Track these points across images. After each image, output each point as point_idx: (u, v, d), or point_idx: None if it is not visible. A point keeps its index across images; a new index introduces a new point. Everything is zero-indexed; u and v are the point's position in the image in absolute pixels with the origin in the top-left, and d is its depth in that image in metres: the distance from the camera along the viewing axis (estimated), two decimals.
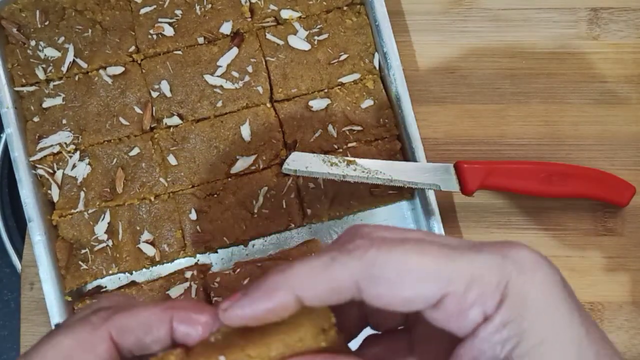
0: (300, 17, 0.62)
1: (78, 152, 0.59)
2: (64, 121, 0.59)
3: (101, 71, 0.60)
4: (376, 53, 0.61)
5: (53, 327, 0.36)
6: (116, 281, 0.60)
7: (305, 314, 0.28)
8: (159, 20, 0.61)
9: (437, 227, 0.57)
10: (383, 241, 0.27)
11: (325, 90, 0.61)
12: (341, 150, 0.60)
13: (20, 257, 0.62)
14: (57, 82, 0.60)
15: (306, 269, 0.27)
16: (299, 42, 0.61)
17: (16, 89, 0.60)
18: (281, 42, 0.61)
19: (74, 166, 0.59)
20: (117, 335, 0.30)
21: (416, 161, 0.58)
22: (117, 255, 0.58)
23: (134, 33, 0.61)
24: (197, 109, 0.60)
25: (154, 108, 0.60)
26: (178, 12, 0.61)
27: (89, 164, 0.59)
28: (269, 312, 0.27)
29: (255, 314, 0.27)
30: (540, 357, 0.25)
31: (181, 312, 0.31)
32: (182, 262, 0.60)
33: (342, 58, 0.61)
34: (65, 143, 0.59)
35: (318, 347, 0.27)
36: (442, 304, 0.26)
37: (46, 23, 0.61)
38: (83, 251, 0.58)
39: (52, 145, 0.59)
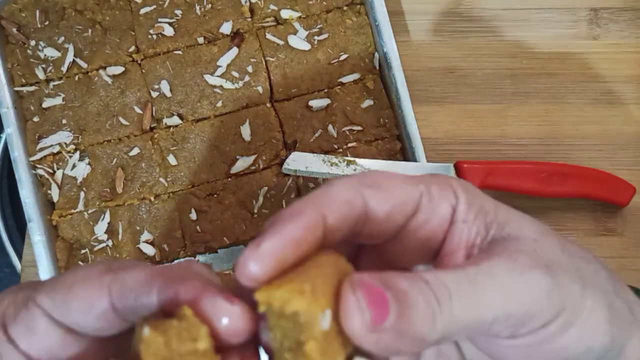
0: (300, 17, 0.62)
1: (78, 152, 0.59)
2: (64, 121, 0.59)
3: (101, 71, 0.60)
4: (376, 53, 0.61)
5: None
6: None
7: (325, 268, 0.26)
8: (159, 20, 0.61)
9: None
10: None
11: (325, 90, 0.61)
12: (341, 150, 0.60)
13: (20, 257, 0.62)
14: (57, 82, 0.60)
15: (319, 191, 0.27)
16: (299, 42, 0.61)
17: (16, 88, 0.60)
18: (281, 42, 0.61)
19: (73, 166, 0.59)
20: (113, 291, 0.28)
21: (416, 161, 0.58)
22: (117, 255, 0.58)
23: (134, 33, 0.61)
24: (197, 109, 0.60)
25: (154, 108, 0.60)
26: (178, 12, 0.61)
27: (89, 164, 0.59)
28: (306, 232, 0.25)
29: (291, 239, 0.25)
30: (507, 226, 0.28)
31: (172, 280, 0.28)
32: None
33: (342, 58, 0.61)
34: (65, 143, 0.59)
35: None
36: (419, 208, 0.28)
37: (46, 23, 0.61)
38: (83, 251, 0.58)
39: (52, 145, 0.59)
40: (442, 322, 0.24)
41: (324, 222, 0.26)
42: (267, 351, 0.26)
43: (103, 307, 0.27)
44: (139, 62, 0.61)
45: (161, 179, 0.59)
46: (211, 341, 0.24)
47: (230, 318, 0.25)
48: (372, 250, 0.31)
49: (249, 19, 0.61)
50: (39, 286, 0.29)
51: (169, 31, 0.60)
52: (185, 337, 0.24)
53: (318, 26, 0.61)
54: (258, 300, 0.24)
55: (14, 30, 0.60)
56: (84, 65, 0.60)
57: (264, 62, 0.61)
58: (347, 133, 0.60)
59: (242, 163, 0.59)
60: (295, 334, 0.23)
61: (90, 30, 0.61)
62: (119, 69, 0.60)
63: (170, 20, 0.61)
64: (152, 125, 0.60)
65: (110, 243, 0.58)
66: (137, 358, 0.24)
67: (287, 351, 0.24)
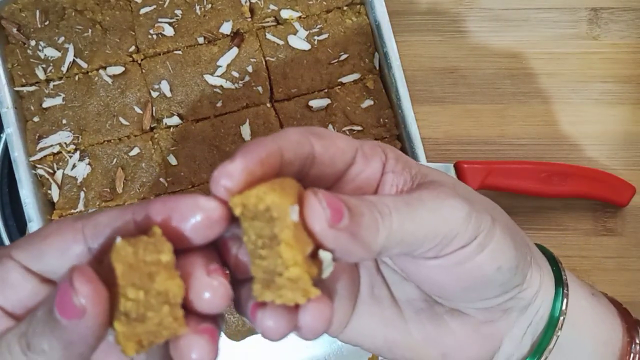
0: (300, 17, 0.62)
1: (78, 152, 0.59)
2: (64, 121, 0.59)
3: (101, 71, 0.60)
4: (376, 53, 0.61)
5: None
6: None
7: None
8: (159, 20, 0.61)
9: None
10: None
11: (325, 90, 0.61)
12: None
13: None
14: (57, 82, 0.60)
15: (275, 133, 0.31)
16: (299, 42, 0.61)
17: (16, 89, 0.60)
18: (281, 42, 0.61)
19: (74, 166, 0.59)
20: (87, 232, 0.29)
21: (416, 161, 0.58)
22: None
23: (134, 33, 0.61)
24: (197, 109, 0.60)
25: (154, 108, 0.60)
26: (178, 12, 0.61)
27: (89, 164, 0.59)
28: (268, 157, 0.28)
29: (258, 159, 0.28)
30: (429, 176, 0.33)
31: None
32: None
33: (342, 58, 0.61)
34: (65, 143, 0.59)
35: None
36: (354, 160, 0.33)
37: (46, 23, 0.61)
38: None
39: (52, 145, 0.59)
40: (384, 232, 0.29)
41: (281, 154, 0.29)
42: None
43: (78, 248, 0.29)
44: (139, 62, 0.61)
45: (161, 179, 0.59)
46: (174, 257, 0.27)
47: (202, 213, 0.28)
48: None
49: (249, 19, 0.61)
50: (12, 244, 0.31)
51: (169, 31, 0.60)
52: (152, 250, 0.26)
53: (318, 26, 0.61)
54: (233, 205, 0.27)
55: (14, 30, 0.60)
56: (84, 65, 0.60)
57: (264, 62, 0.61)
58: (347, 133, 0.60)
59: None
60: (268, 230, 0.26)
61: (90, 30, 0.61)
62: (119, 69, 0.60)
63: (170, 20, 0.61)
64: (152, 125, 0.60)
65: None
66: (109, 269, 0.26)
67: (261, 249, 0.26)
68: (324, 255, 0.27)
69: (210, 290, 0.27)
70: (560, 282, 0.37)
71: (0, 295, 0.29)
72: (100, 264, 0.28)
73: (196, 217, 0.28)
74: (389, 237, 0.29)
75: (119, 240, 0.26)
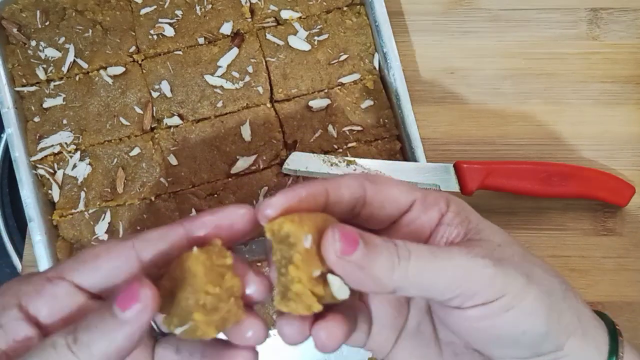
0: (300, 18, 0.62)
1: (78, 152, 0.59)
2: (65, 121, 0.60)
3: (102, 71, 0.60)
4: (376, 53, 0.61)
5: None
6: None
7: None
8: (159, 20, 0.61)
9: None
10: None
11: (325, 91, 0.61)
12: (341, 150, 0.60)
13: (20, 257, 0.62)
14: (57, 82, 0.60)
15: (330, 178, 0.36)
16: (299, 42, 0.61)
17: (17, 89, 0.60)
18: (281, 43, 0.61)
19: (74, 166, 0.59)
20: (138, 247, 0.34)
21: (416, 161, 0.58)
22: None
23: (134, 33, 0.61)
24: (198, 109, 0.60)
25: (154, 108, 0.60)
26: (178, 12, 0.61)
27: (90, 164, 0.59)
28: (307, 194, 0.34)
29: (297, 194, 0.34)
30: (481, 233, 0.36)
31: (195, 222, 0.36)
32: None
33: (342, 58, 0.61)
34: (66, 143, 0.59)
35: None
36: (409, 209, 0.37)
37: (47, 23, 0.61)
38: None
39: (52, 145, 0.59)
40: (398, 273, 0.32)
41: (326, 194, 0.34)
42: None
43: (132, 263, 0.34)
44: (139, 62, 0.61)
45: (162, 179, 0.59)
46: (232, 261, 0.34)
47: (241, 216, 0.36)
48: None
49: (249, 20, 0.61)
50: (63, 265, 0.35)
51: (169, 31, 0.61)
52: (219, 256, 0.33)
53: (318, 27, 0.61)
54: (265, 229, 0.33)
55: (15, 30, 0.60)
56: (84, 65, 0.60)
57: (264, 63, 0.61)
58: (347, 133, 0.60)
59: (242, 163, 0.59)
60: (287, 253, 0.32)
61: (90, 31, 0.61)
62: (119, 69, 0.60)
63: (171, 21, 0.61)
64: (152, 126, 0.60)
65: None
66: (172, 276, 0.33)
67: (283, 267, 0.33)
68: (331, 279, 0.32)
69: (259, 284, 0.35)
70: (614, 354, 0.36)
71: (48, 312, 0.33)
72: (157, 274, 0.34)
73: (242, 216, 0.35)
74: (404, 279, 0.32)
75: (195, 249, 0.32)
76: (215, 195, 0.59)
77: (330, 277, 0.32)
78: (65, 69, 0.60)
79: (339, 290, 0.33)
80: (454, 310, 0.34)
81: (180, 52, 0.61)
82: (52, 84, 0.60)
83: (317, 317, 0.34)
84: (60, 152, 0.59)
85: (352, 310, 0.37)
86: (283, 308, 0.33)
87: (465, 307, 0.33)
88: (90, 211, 0.59)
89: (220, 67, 0.60)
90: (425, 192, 0.37)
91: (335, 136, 0.60)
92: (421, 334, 0.39)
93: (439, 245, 0.36)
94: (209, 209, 0.35)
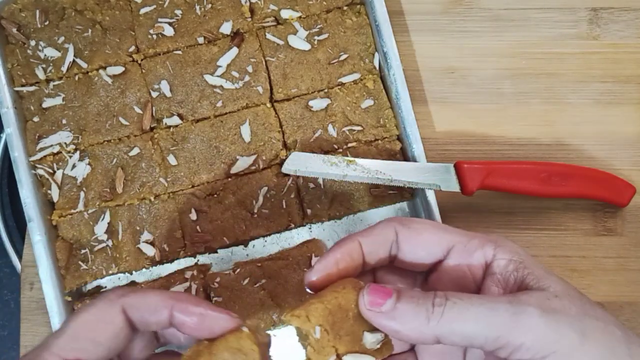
0: (300, 17, 0.62)
1: (78, 152, 0.59)
2: (64, 121, 0.59)
3: (101, 71, 0.60)
4: (376, 53, 0.61)
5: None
6: (116, 281, 0.60)
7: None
8: (159, 20, 0.61)
9: None
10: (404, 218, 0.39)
11: (325, 90, 0.61)
12: (341, 150, 0.60)
13: (20, 257, 0.62)
14: (57, 82, 0.60)
15: (364, 229, 0.38)
16: (299, 42, 0.61)
17: (16, 89, 0.60)
18: (281, 42, 0.61)
19: (73, 166, 0.59)
20: (128, 311, 0.37)
21: (416, 161, 0.58)
22: (117, 256, 0.58)
23: (134, 33, 0.61)
24: (197, 109, 0.60)
25: (154, 108, 0.60)
26: (178, 12, 0.61)
27: (89, 164, 0.59)
28: (342, 253, 0.37)
29: (333, 257, 0.37)
30: (540, 281, 0.34)
31: (181, 303, 0.37)
32: (182, 262, 0.60)
33: (342, 58, 0.61)
34: (65, 143, 0.59)
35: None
36: (448, 256, 0.37)
37: (46, 23, 0.61)
38: (83, 251, 0.58)
39: (52, 145, 0.59)
40: (434, 322, 0.32)
41: (360, 248, 0.37)
42: None
43: (164, 314, 0.38)
44: (139, 62, 0.61)
45: (161, 179, 0.59)
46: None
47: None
48: (425, 279, 0.41)
49: (249, 19, 0.61)
50: (121, 294, 0.38)
51: (169, 31, 0.60)
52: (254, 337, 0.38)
53: (318, 26, 0.61)
54: (283, 320, 0.38)
55: (14, 30, 0.60)
56: (84, 65, 0.60)
57: (264, 62, 0.61)
58: (347, 133, 0.60)
59: (242, 163, 0.59)
60: (304, 341, 0.36)
61: (90, 30, 0.61)
62: (119, 69, 0.60)
63: (170, 20, 0.61)
64: (152, 125, 0.60)
65: (110, 243, 0.58)
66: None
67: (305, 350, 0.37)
68: (369, 336, 0.36)
69: None
70: None
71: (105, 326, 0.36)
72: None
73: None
74: (442, 327, 0.33)
75: (246, 329, 0.38)
76: (215, 196, 0.59)
77: (345, 358, 0.36)
78: (64, 68, 0.60)
79: (375, 346, 0.36)
80: None
81: (180, 52, 0.61)
82: (52, 83, 0.60)
83: None
84: (59, 152, 0.59)
85: None
86: None
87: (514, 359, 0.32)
88: (90, 211, 0.58)
89: (220, 66, 0.60)
90: (469, 236, 0.36)
91: (335, 136, 0.60)
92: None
93: (488, 295, 0.35)
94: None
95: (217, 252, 0.60)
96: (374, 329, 0.36)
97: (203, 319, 0.37)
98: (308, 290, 0.39)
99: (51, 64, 0.60)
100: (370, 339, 0.36)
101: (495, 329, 0.32)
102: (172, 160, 0.59)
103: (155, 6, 0.61)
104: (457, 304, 0.32)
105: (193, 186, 0.59)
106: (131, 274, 0.60)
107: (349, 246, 0.38)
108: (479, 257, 0.36)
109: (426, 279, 0.41)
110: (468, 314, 0.32)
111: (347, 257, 0.37)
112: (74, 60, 0.60)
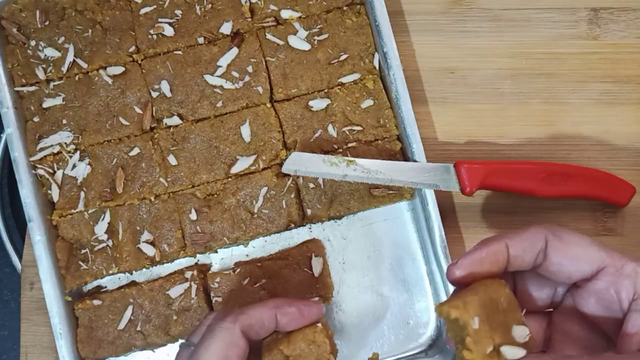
0: (300, 17, 0.62)
1: (78, 152, 0.59)
2: (64, 121, 0.59)
3: (101, 71, 0.60)
4: (376, 53, 0.61)
5: (182, 344, 0.47)
6: (116, 281, 0.60)
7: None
8: (159, 20, 0.61)
9: (437, 227, 0.57)
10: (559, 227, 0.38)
11: (325, 90, 0.61)
12: (341, 150, 0.60)
13: (20, 257, 0.62)
14: (57, 82, 0.60)
15: (511, 231, 0.38)
16: (299, 42, 0.61)
17: (16, 89, 0.60)
18: (281, 42, 0.61)
19: (74, 166, 0.59)
20: (246, 331, 0.41)
21: (416, 161, 0.58)
22: (117, 255, 0.58)
23: (134, 33, 0.61)
24: (197, 109, 0.60)
25: (154, 108, 0.60)
26: (178, 12, 0.61)
27: (89, 164, 0.59)
28: (488, 253, 0.37)
29: (479, 254, 0.38)
30: None
31: (280, 308, 0.43)
32: (182, 262, 0.60)
33: (342, 58, 0.61)
34: (65, 143, 0.59)
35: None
36: (597, 276, 0.36)
37: (46, 23, 0.61)
38: (83, 251, 0.58)
39: (52, 145, 0.59)
40: None
41: (506, 250, 0.37)
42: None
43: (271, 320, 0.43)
44: (139, 62, 0.61)
45: (161, 179, 0.59)
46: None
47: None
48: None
49: (249, 19, 0.61)
50: (235, 316, 0.42)
51: (169, 31, 0.60)
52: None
53: (318, 26, 0.61)
54: (436, 311, 0.38)
55: (14, 30, 0.60)
56: (84, 65, 0.60)
57: (264, 62, 0.61)
58: (347, 133, 0.60)
59: (242, 163, 0.59)
60: (460, 333, 0.37)
61: (90, 31, 0.61)
62: (119, 69, 0.60)
63: (171, 21, 0.61)
64: (152, 125, 0.60)
65: (110, 243, 0.58)
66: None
67: (459, 343, 0.37)
68: (504, 349, 0.36)
69: None
70: None
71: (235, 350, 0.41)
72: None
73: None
74: None
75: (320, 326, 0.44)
76: (215, 196, 0.59)
77: (502, 349, 0.36)
78: (64, 68, 0.60)
79: (512, 355, 0.36)
80: None
81: (180, 52, 0.61)
82: (52, 83, 0.60)
83: None
84: (59, 152, 0.59)
85: None
86: None
87: None
88: (90, 211, 0.59)
89: (220, 66, 0.60)
90: (622, 260, 0.36)
91: (335, 136, 0.60)
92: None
93: (629, 332, 0.35)
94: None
95: (217, 252, 0.60)
96: (521, 323, 0.37)
97: (302, 313, 0.43)
98: (450, 284, 0.40)
99: (51, 64, 0.60)
100: (520, 332, 0.37)
101: None
102: (172, 160, 0.59)
103: (155, 6, 0.61)
104: None
105: (193, 186, 0.59)
106: (131, 273, 0.60)
107: (496, 247, 0.38)
108: (628, 288, 0.35)
109: (568, 290, 0.40)
110: None
111: (492, 257, 0.38)
112: (74, 60, 0.60)
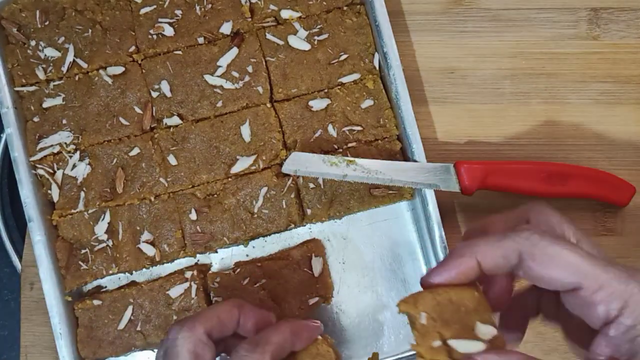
0: (300, 17, 0.62)
1: (78, 152, 0.59)
2: (64, 121, 0.59)
3: (101, 71, 0.60)
4: (376, 53, 0.61)
5: None
6: (116, 281, 0.60)
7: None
8: (159, 20, 0.61)
9: (437, 227, 0.57)
10: (545, 232, 0.36)
11: (325, 90, 0.61)
12: (341, 150, 0.60)
13: (20, 257, 0.62)
14: (57, 82, 0.60)
15: (484, 241, 0.37)
16: (299, 42, 0.61)
17: (16, 89, 0.60)
18: (281, 42, 0.61)
19: (74, 166, 0.59)
20: (207, 332, 0.41)
21: (416, 161, 0.58)
22: (117, 255, 0.58)
23: (134, 33, 0.61)
24: (197, 109, 0.60)
25: (154, 108, 0.60)
26: (178, 12, 0.61)
27: (89, 164, 0.59)
28: (458, 273, 0.37)
29: (448, 275, 0.38)
30: None
31: (296, 329, 0.43)
32: (182, 262, 0.60)
33: (342, 58, 0.61)
34: (65, 143, 0.59)
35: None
36: (575, 293, 0.35)
37: (46, 23, 0.61)
38: (83, 251, 0.58)
39: (52, 145, 0.59)
40: None
41: (479, 265, 0.37)
42: None
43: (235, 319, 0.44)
44: (139, 62, 0.61)
45: (161, 179, 0.59)
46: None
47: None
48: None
49: (249, 19, 0.61)
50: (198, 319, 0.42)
51: (169, 31, 0.60)
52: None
53: (318, 26, 0.61)
54: (398, 307, 0.39)
55: (14, 30, 0.60)
56: (84, 65, 0.60)
57: (264, 62, 0.61)
58: (347, 133, 0.60)
59: (242, 163, 0.59)
60: (412, 327, 0.39)
61: (90, 31, 0.61)
62: (119, 69, 0.60)
63: (171, 21, 0.61)
64: (152, 125, 0.60)
65: (110, 243, 0.58)
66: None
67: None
68: (452, 343, 0.37)
69: None
70: None
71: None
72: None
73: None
74: None
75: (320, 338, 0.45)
76: (215, 196, 0.59)
77: (451, 342, 0.37)
78: (64, 68, 0.60)
79: (465, 349, 0.37)
80: None
81: (180, 52, 0.61)
82: (52, 83, 0.60)
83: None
84: (59, 152, 0.59)
85: None
86: None
87: None
88: (90, 211, 0.59)
89: (220, 66, 0.60)
90: (598, 281, 0.34)
91: (335, 136, 0.60)
92: None
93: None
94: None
95: (217, 252, 0.60)
96: (488, 323, 0.38)
97: (299, 335, 0.43)
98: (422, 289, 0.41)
99: (51, 64, 0.60)
100: (484, 330, 0.37)
101: None
102: (172, 160, 0.59)
103: (155, 6, 0.61)
104: None
105: (193, 186, 0.59)
106: (131, 273, 0.60)
107: (467, 265, 0.38)
108: (600, 314, 0.35)
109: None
110: None
111: (462, 277, 0.38)
112: (74, 60, 0.60)
